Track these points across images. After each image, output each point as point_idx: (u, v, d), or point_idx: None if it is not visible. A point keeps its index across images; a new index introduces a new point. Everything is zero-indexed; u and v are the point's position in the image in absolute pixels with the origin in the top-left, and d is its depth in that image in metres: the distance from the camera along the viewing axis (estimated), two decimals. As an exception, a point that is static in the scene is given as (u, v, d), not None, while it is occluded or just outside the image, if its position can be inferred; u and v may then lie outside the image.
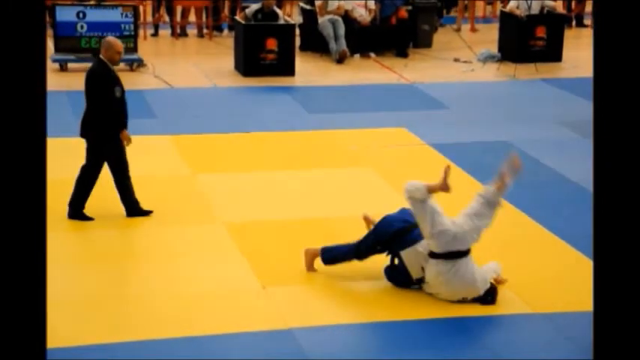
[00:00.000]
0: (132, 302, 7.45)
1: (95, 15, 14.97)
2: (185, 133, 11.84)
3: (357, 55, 16.68)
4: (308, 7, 17.08)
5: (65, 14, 14.87)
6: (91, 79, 8.84)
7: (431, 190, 7.24)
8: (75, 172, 9.00)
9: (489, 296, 7.40)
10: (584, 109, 12.47)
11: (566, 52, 16.65)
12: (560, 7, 18.48)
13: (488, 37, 17.86)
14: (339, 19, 16.39)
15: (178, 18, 18.39)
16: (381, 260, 7.71)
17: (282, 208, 9.48)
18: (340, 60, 16.22)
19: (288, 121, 12.62)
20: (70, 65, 14.94)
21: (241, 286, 7.73)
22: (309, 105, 13.45)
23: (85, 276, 7.91)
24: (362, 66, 16.20)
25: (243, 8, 16.01)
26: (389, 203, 8.48)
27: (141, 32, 17.19)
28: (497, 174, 7.43)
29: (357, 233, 7.90)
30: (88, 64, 9.64)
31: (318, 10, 16.61)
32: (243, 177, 10.40)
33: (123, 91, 8.86)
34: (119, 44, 8.91)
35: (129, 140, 8.89)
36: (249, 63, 15.05)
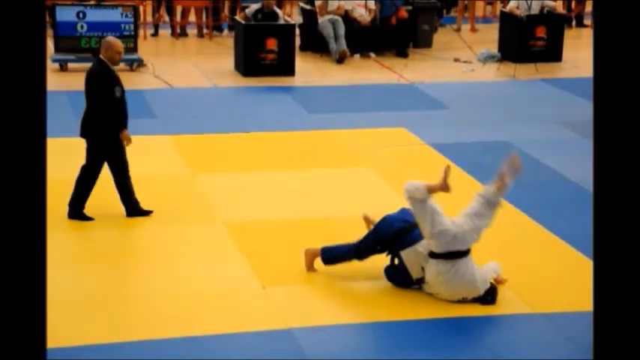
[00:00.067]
0: (132, 302, 7.45)
1: (95, 15, 14.98)
2: (185, 133, 11.84)
3: (357, 55, 16.69)
4: (308, 7, 17.09)
5: (65, 14, 14.87)
6: (91, 79, 8.84)
7: (431, 190, 7.24)
8: (75, 172, 9.00)
9: (489, 296, 7.40)
10: (584, 109, 12.47)
11: (566, 52, 16.66)
12: (560, 7, 18.48)
13: (488, 37, 17.87)
14: (339, 19, 16.40)
15: (178, 18, 18.39)
16: (381, 260, 7.71)
17: (282, 208, 9.48)
18: (340, 60, 16.22)
19: (288, 121, 12.62)
20: (70, 65, 14.94)
21: (241, 286, 7.73)
22: (309, 105, 13.45)
23: (85, 276, 7.91)
24: (362, 66, 16.20)
25: (243, 8, 15.99)
26: (389, 203, 8.48)
27: (141, 32, 17.19)
28: (498, 174, 7.43)
29: (357, 233, 7.90)
30: (88, 64, 9.64)
31: (318, 10, 16.61)
32: (243, 177, 10.40)
33: (123, 91, 8.86)
34: (119, 44, 8.90)
35: (129, 140, 8.89)
36: (249, 63, 15.05)
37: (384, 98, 13.98)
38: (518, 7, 16.50)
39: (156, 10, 18.40)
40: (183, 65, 15.95)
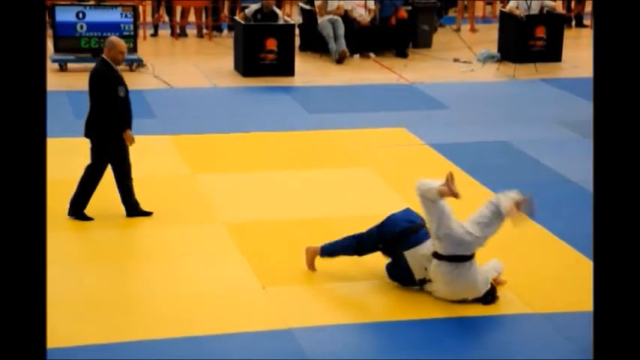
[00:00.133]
0: (132, 302, 7.45)
1: (95, 15, 14.98)
2: (185, 133, 11.84)
3: (356, 56, 16.69)
4: (308, 7, 17.09)
5: (65, 14, 14.87)
6: (95, 79, 8.83)
7: (442, 194, 7.22)
8: (75, 172, 9.00)
9: (489, 296, 7.40)
10: (584, 109, 12.47)
11: (566, 52, 16.66)
12: (559, 7, 18.48)
13: (488, 38, 17.87)
14: (339, 19, 16.40)
15: (178, 18, 18.40)
16: (382, 259, 7.71)
17: (282, 208, 9.48)
18: (340, 60, 16.22)
19: (288, 121, 12.62)
20: (70, 65, 14.94)
21: (241, 286, 7.73)
22: (308, 105, 13.45)
23: (85, 276, 7.90)
24: (362, 66, 16.20)
25: (243, 8, 16.00)
26: (388, 203, 8.48)
27: (140, 32, 17.20)
28: (516, 197, 7.31)
29: (356, 233, 7.91)
30: (88, 64, 9.66)
31: (317, 10, 16.61)
32: (243, 177, 10.40)
33: (126, 91, 8.85)
34: (122, 44, 8.89)
35: (132, 140, 8.89)
36: (249, 63, 15.05)
37: (383, 98, 13.98)
38: (517, 7, 16.50)
39: (155, 10, 18.40)
40: (182, 65, 15.95)
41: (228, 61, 15.72)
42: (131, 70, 14.91)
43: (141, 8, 17.70)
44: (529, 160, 10.99)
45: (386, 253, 7.66)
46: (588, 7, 20.27)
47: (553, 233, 8.84)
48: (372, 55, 16.74)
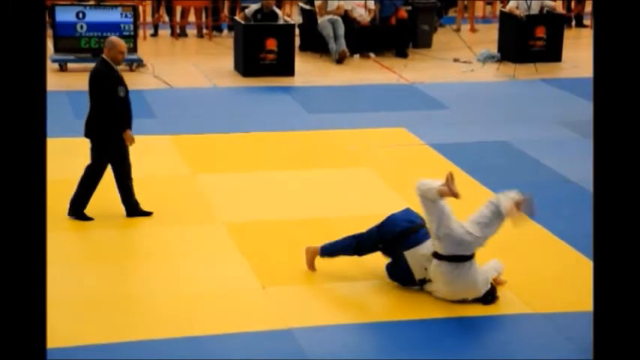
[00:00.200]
0: (132, 302, 7.45)
1: (95, 15, 14.98)
2: (185, 133, 11.84)
3: (356, 56, 16.69)
4: (308, 7, 17.09)
5: (65, 14, 14.87)
6: (95, 78, 8.83)
7: (442, 194, 7.22)
8: (75, 172, 9.00)
9: (489, 296, 7.40)
10: (584, 109, 12.47)
11: (566, 52, 16.66)
12: (559, 7, 18.48)
13: (488, 38, 17.87)
14: (339, 19, 16.40)
15: (178, 18, 18.40)
16: (382, 259, 7.71)
17: (282, 208, 9.48)
18: (340, 60, 16.22)
19: (288, 121, 12.62)
20: (70, 65, 14.94)
21: (241, 286, 7.73)
22: (308, 105, 13.45)
23: (85, 276, 7.90)
24: (362, 66, 16.20)
25: (243, 8, 16.00)
26: (388, 203, 8.48)
27: (140, 32, 17.20)
28: (516, 197, 7.31)
29: (357, 233, 7.91)
30: (88, 64, 9.65)
31: (317, 10, 16.61)
32: (243, 177, 10.40)
33: (127, 91, 8.85)
34: (122, 44, 8.89)
35: (132, 140, 8.89)
36: (249, 63, 15.05)
37: (383, 98, 13.98)
38: (517, 7, 16.50)
39: (155, 10, 18.40)
40: (182, 65, 15.95)
41: (228, 61, 15.73)
42: (131, 70, 14.91)
43: (141, 8, 17.70)
44: (529, 160, 10.99)
45: (386, 253, 7.67)
46: (588, 7, 20.26)
47: (553, 233, 8.84)
48: (372, 55, 16.74)
